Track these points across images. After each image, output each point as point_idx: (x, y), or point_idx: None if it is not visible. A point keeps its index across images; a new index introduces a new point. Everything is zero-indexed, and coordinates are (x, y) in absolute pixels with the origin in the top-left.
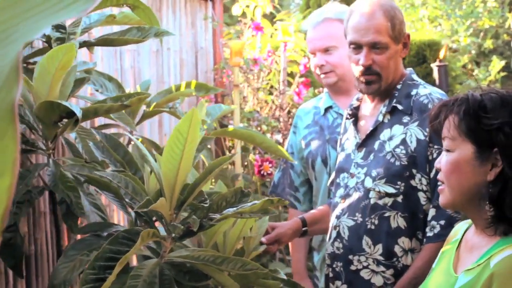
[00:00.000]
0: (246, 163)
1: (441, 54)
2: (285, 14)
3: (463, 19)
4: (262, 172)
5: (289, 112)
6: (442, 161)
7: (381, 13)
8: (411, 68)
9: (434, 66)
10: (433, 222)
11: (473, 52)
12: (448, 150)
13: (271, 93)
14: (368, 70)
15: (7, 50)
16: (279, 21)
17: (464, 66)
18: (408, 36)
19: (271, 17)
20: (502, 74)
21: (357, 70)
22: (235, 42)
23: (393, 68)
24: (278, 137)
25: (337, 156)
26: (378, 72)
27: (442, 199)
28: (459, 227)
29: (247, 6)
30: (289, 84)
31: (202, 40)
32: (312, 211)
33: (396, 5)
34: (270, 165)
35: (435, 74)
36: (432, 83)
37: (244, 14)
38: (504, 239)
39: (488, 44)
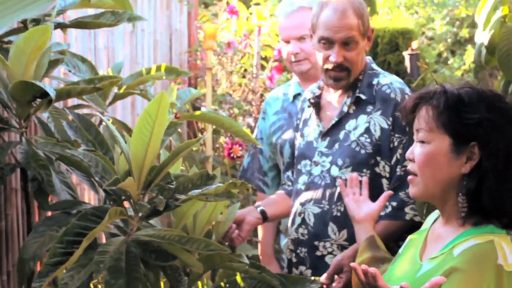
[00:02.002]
0: (217, 146)
1: (414, 44)
2: None
3: (439, 7)
4: (232, 155)
5: (261, 95)
6: (416, 152)
7: (352, 11)
8: (369, 57)
9: (406, 54)
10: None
11: (449, 40)
12: (422, 142)
13: (244, 77)
14: (339, 67)
15: None
16: (254, 5)
17: (439, 55)
18: (372, 30)
19: (247, 0)
20: None
21: (327, 65)
22: (208, 25)
23: (361, 62)
24: (250, 120)
25: (293, 140)
26: (348, 68)
27: (413, 190)
28: (429, 218)
29: None
30: (263, 68)
31: (176, 22)
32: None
33: (361, 0)
34: (240, 148)
35: (407, 62)
36: (404, 71)
37: None
38: (469, 229)
39: (464, 33)
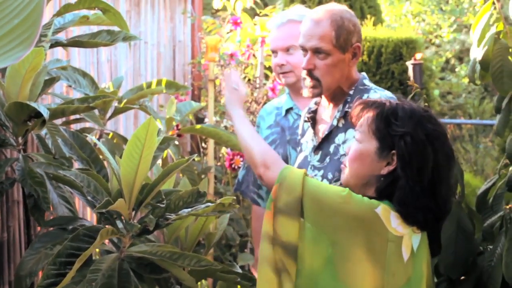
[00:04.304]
0: (220, 156)
1: (418, 56)
2: (271, 9)
3: (447, 14)
4: (233, 166)
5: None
6: (351, 147)
7: (328, 22)
8: (364, 73)
9: (409, 64)
10: None
11: (457, 48)
12: (357, 140)
13: (248, 87)
14: (309, 75)
15: None
16: (258, 16)
17: (447, 62)
18: (359, 47)
19: (253, 11)
20: None
21: (302, 72)
22: (210, 37)
23: (337, 76)
24: None
25: (297, 157)
26: (318, 78)
27: (342, 178)
28: None
29: (228, 0)
30: (267, 78)
31: (180, 33)
32: None
33: (349, 16)
34: (241, 159)
35: (410, 72)
36: (407, 80)
37: (225, 8)
38: None
39: (472, 40)
